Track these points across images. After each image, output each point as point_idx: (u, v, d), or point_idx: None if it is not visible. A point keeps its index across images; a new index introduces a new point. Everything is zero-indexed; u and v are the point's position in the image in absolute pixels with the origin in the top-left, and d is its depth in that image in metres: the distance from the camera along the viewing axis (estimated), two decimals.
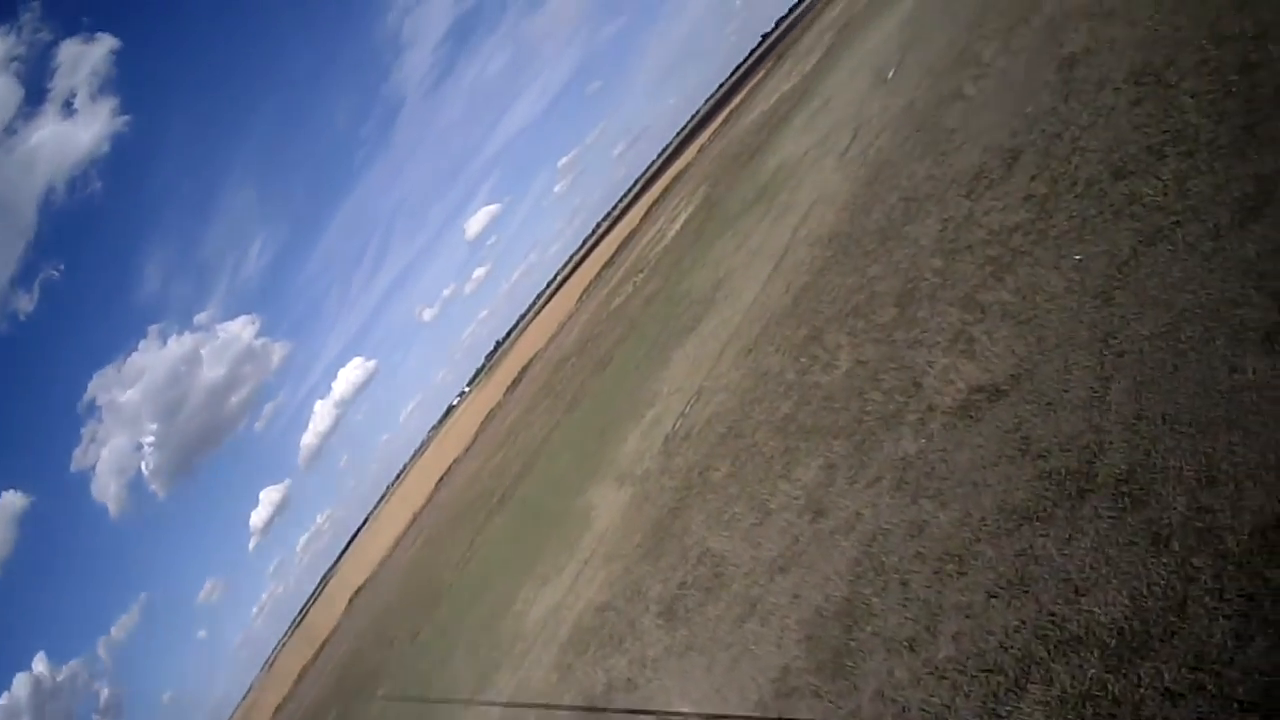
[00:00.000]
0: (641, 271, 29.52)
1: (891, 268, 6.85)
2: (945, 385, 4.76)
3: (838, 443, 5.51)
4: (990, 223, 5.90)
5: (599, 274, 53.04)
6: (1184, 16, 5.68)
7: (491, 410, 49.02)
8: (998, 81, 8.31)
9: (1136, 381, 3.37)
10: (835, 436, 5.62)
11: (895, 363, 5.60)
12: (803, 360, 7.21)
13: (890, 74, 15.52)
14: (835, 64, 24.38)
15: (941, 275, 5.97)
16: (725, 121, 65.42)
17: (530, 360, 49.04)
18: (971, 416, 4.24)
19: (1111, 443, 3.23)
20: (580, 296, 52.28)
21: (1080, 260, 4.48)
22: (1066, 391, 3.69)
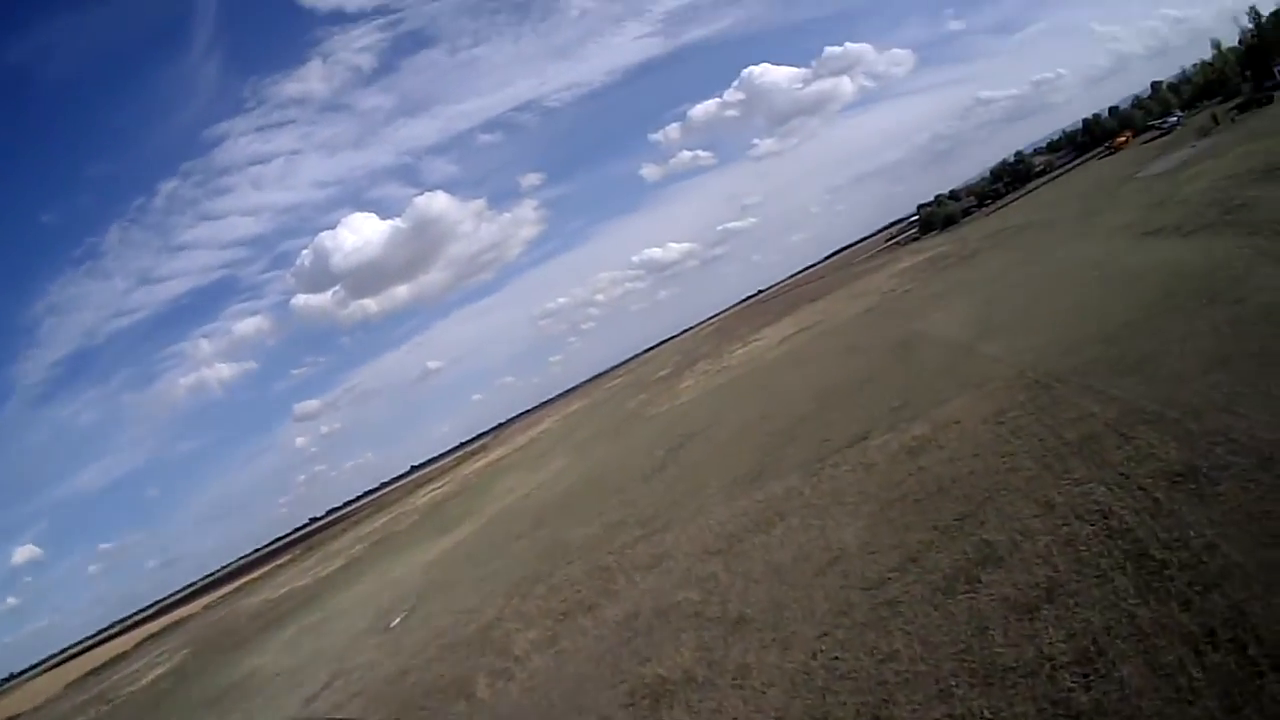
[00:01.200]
0: (110, 703, 30.33)
1: None
2: None
3: None
4: None
5: (81, 679, 60.01)
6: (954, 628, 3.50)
7: None
8: (525, 689, 5.72)
9: None
10: None
11: None
12: None
13: (396, 620, 13.80)
14: (357, 576, 26.97)
15: None
16: (238, 590, 78.49)
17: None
18: None
19: None
20: (66, 687, 59.26)
21: None
22: None
